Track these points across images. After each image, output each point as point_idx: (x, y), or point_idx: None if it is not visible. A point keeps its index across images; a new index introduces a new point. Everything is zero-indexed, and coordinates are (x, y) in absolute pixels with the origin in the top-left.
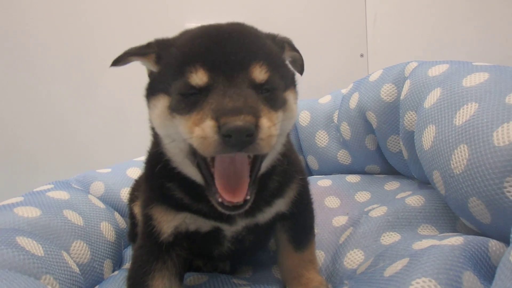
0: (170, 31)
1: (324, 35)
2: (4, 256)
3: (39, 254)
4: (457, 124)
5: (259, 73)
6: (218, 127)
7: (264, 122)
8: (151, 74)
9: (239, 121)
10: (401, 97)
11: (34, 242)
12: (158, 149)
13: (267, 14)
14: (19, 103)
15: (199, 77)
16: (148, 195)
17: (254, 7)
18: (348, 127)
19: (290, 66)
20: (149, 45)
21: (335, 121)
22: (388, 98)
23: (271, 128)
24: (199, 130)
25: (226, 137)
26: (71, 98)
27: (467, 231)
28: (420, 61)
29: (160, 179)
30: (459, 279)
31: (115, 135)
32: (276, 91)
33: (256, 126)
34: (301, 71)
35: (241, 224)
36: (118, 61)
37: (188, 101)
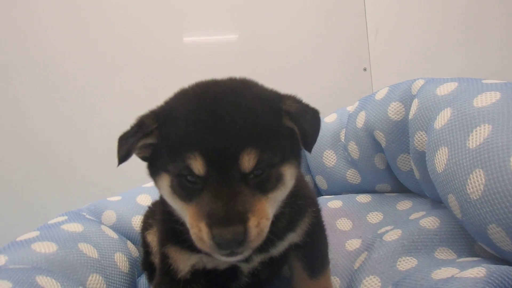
0: (168, 46)
1: (325, 50)
2: None
3: None
4: (470, 147)
5: (247, 163)
6: (212, 234)
7: (252, 224)
8: (151, 147)
9: (228, 234)
10: (410, 117)
11: (53, 280)
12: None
13: (266, 30)
14: (18, 132)
15: (198, 168)
16: (162, 235)
17: (253, 22)
18: (356, 146)
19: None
20: (149, 121)
21: (342, 140)
22: (396, 117)
23: (260, 225)
24: (196, 230)
25: (218, 244)
26: (71, 124)
27: (486, 254)
28: (426, 78)
29: (172, 223)
30: None
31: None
32: (268, 170)
33: (245, 232)
34: (304, 145)
35: (256, 260)
36: (128, 154)
37: (187, 187)
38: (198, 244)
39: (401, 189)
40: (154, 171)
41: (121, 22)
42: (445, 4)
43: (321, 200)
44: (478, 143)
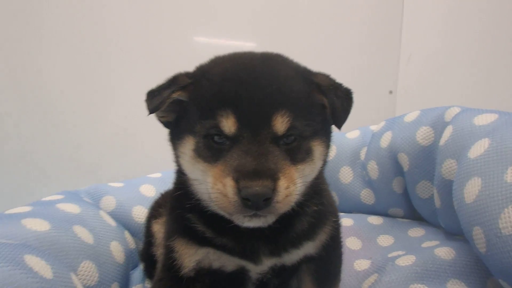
0: (179, 45)
1: (355, 68)
2: (12, 278)
3: (48, 277)
4: (508, 181)
5: (280, 125)
6: (238, 189)
7: (282, 184)
8: (178, 108)
9: (257, 187)
10: (440, 143)
11: (42, 262)
12: (184, 186)
13: (288, 43)
14: (32, 111)
15: (229, 126)
16: (170, 226)
17: (274, 33)
18: (376, 166)
19: (325, 110)
20: (183, 78)
21: (362, 158)
22: (424, 142)
23: (289, 188)
24: (220, 186)
25: (244, 200)
26: (84, 108)
27: None
28: (463, 107)
29: (182, 210)
30: None
31: (126, 149)
32: (299, 140)
33: (274, 189)
34: (333, 120)
35: (266, 264)
36: (160, 106)
37: (213, 148)
38: (220, 203)
39: (414, 216)
40: (177, 136)
41: (134, 22)
42: (483, 40)
43: None
44: None
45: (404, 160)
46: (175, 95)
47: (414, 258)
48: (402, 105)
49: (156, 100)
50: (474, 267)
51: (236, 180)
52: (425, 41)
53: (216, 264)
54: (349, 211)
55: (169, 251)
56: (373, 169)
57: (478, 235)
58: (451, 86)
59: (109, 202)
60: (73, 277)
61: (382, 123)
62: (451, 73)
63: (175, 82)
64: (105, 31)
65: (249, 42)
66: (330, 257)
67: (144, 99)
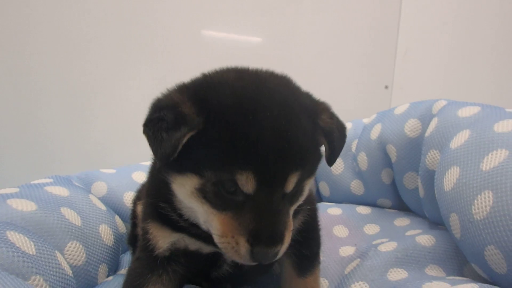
0: (186, 38)
1: (351, 63)
2: None
3: (31, 253)
4: (484, 169)
5: (292, 184)
6: (251, 251)
7: (286, 241)
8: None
9: (270, 253)
10: (426, 134)
11: (26, 238)
12: (162, 181)
13: (292, 38)
14: (37, 93)
15: (248, 187)
16: (146, 210)
17: (279, 28)
18: (366, 157)
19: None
20: (192, 114)
21: (353, 150)
22: (411, 134)
23: (289, 238)
24: (233, 242)
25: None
26: (84, 113)
27: (474, 277)
28: (449, 100)
29: (157, 199)
30: None
31: (125, 138)
32: (298, 187)
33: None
34: (328, 160)
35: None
36: (174, 152)
37: (223, 196)
38: (230, 254)
39: (401, 206)
40: (177, 169)
41: (140, 14)
42: (479, 36)
43: (322, 205)
44: (492, 166)
45: (392, 152)
46: (187, 137)
47: (396, 244)
48: (398, 100)
49: (166, 146)
50: (452, 254)
51: (251, 244)
52: (422, 37)
53: (192, 247)
54: (339, 201)
55: (144, 232)
56: (363, 160)
57: (454, 221)
58: (446, 82)
59: (100, 187)
60: (58, 255)
61: (373, 116)
62: (447, 69)
63: (183, 120)
64: (112, 25)
65: (255, 37)
66: (307, 240)
67: (144, 132)
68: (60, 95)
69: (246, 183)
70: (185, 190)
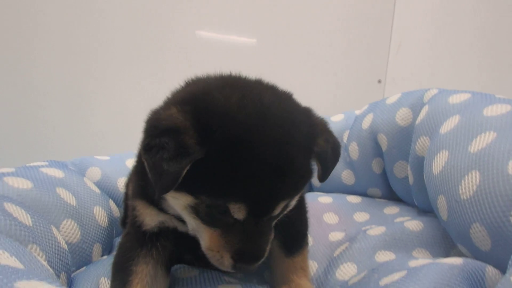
0: (181, 39)
1: (345, 56)
2: None
3: (27, 224)
4: (471, 151)
5: (279, 210)
6: (235, 265)
7: (266, 254)
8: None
9: (252, 268)
10: (417, 122)
11: (22, 211)
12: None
13: (286, 37)
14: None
15: (239, 215)
16: (134, 189)
17: (272, 29)
18: (357, 147)
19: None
20: (192, 144)
21: (345, 141)
22: (402, 123)
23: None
24: (218, 256)
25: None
26: (78, 112)
27: None
28: (441, 88)
29: (145, 181)
30: None
31: (121, 129)
32: (287, 205)
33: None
34: (320, 179)
35: None
36: (174, 183)
37: (214, 216)
38: (213, 262)
39: (391, 196)
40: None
41: (135, 14)
42: (472, 29)
43: (312, 194)
44: (479, 148)
45: (383, 141)
46: (187, 168)
47: (384, 229)
48: (391, 94)
49: (166, 179)
50: (439, 239)
51: (235, 260)
52: (415, 31)
53: (181, 229)
54: (330, 191)
55: (132, 208)
56: (354, 150)
57: (441, 203)
58: (440, 76)
59: (94, 173)
60: (54, 230)
61: (365, 106)
62: (440, 63)
63: (185, 152)
64: (106, 24)
65: (250, 38)
66: (294, 221)
67: (143, 158)
68: (59, 91)
69: (238, 212)
70: (178, 203)
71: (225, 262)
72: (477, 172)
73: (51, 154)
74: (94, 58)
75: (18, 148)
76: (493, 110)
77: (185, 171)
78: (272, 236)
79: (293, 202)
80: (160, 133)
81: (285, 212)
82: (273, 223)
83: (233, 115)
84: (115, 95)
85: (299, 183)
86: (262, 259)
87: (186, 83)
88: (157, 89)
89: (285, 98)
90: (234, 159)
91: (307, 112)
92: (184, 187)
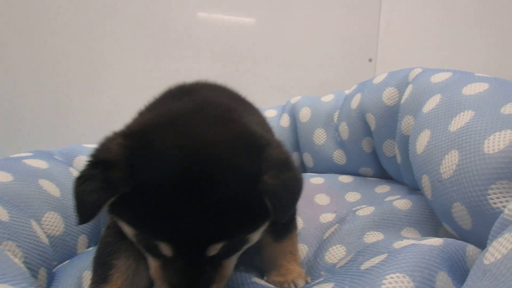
0: (181, 21)
1: (335, 37)
2: None
3: (4, 219)
4: (451, 130)
5: (214, 251)
6: None
7: None
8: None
9: None
10: (401, 101)
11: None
12: None
13: (283, 17)
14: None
15: (166, 252)
16: None
17: (271, 8)
18: (346, 127)
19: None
20: (119, 179)
21: (335, 121)
22: (389, 102)
23: (221, 285)
24: (161, 287)
25: None
26: (78, 94)
27: (448, 237)
28: (424, 67)
29: None
30: (433, 278)
31: (109, 116)
32: (234, 244)
33: None
34: (276, 218)
35: None
36: (91, 216)
37: (155, 249)
38: None
39: (383, 174)
40: (113, 213)
41: None
42: (460, 8)
43: (305, 176)
44: (459, 127)
45: (371, 120)
46: (109, 201)
47: (373, 209)
48: (382, 73)
49: (84, 211)
50: (428, 217)
51: None
52: (405, 9)
53: None
54: (323, 171)
55: None
56: (344, 129)
57: (425, 182)
58: (430, 54)
59: (82, 161)
60: (34, 224)
61: (354, 86)
62: (431, 41)
63: (109, 186)
64: (104, 8)
65: (249, 18)
66: None
67: (73, 186)
68: (48, 77)
69: (166, 250)
70: (126, 232)
71: None
72: (456, 151)
73: (40, 143)
74: (90, 41)
75: (4, 138)
76: (471, 89)
77: (106, 204)
78: (221, 275)
79: (254, 237)
80: (93, 164)
81: (243, 248)
82: (228, 258)
83: (162, 158)
84: (112, 79)
85: (235, 225)
86: None
87: (167, 92)
88: (158, 73)
89: (231, 137)
90: (156, 198)
91: (255, 149)
92: (124, 217)
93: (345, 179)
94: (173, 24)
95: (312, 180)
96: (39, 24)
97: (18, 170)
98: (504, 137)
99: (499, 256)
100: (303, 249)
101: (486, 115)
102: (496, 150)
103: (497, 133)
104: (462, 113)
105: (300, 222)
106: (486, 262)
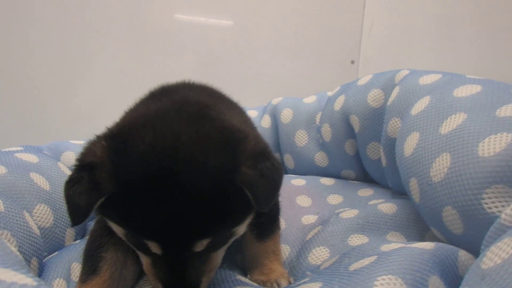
0: (158, 23)
1: (317, 38)
2: None
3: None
4: (442, 132)
5: (200, 247)
6: None
7: (204, 284)
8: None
9: None
10: (388, 103)
11: None
12: None
13: (262, 19)
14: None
15: (155, 250)
16: None
17: (249, 11)
18: (329, 129)
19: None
20: (105, 180)
21: (317, 122)
22: (374, 104)
23: (211, 275)
24: (154, 284)
25: None
26: (55, 96)
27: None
28: (412, 69)
29: None
30: (425, 282)
31: (100, 112)
32: (220, 238)
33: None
34: (258, 208)
35: None
36: (83, 217)
37: (143, 247)
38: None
39: (365, 178)
40: (103, 213)
41: None
42: (445, 8)
43: (286, 177)
44: (450, 129)
45: (355, 122)
46: (99, 202)
47: (357, 211)
48: (364, 75)
49: (75, 212)
50: (413, 222)
51: None
52: (388, 11)
53: None
54: (304, 173)
55: None
56: (326, 131)
57: (413, 185)
58: (413, 56)
59: (69, 157)
60: (26, 215)
61: (337, 88)
62: (413, 43)
63: (96, 187)
64: (82, 8)
65: (227, 20)
66: None
67: (63, 190)
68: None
69: (154, 247)
70: (116, 230)
71: None
72: (448, 154)
73: (27, 139)
74: (71, 42)
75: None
76: (463, 91)
77: (96, 205)
78: (209, 267)
79: (239, 231)
80: (79, 168)
81: (230, 240)
82: (216, 251)
83: (141, 158)
84: (92, 80)
85: (218, 220)
86: None
87: (149, 94)
88: (136, 74)
89: (207, 133)
90: (140, 200)
91: (232, 143)
92: (113, 218)
93: (326, 181)
94: (148, 27)
95: (293, 182)
96: (20, 23)
97: (11, 163)
98: (500, 140)
99: (499, 261)
100: (285, 250)
101: (479, 118)
102: (492, 153)
103: (493, 136)
104: (453, 115)
105: (282, 223)
106: (484, 266)
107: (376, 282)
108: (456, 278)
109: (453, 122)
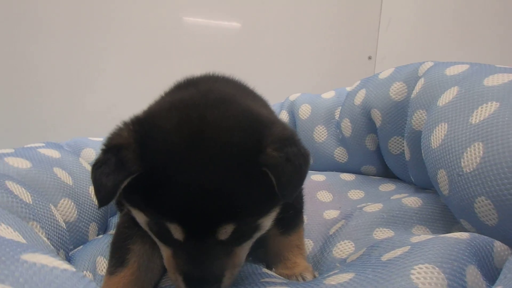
0: (168, 26)
1: (335, 34)
2: None
3: (28, 201)
4: (473, 122)
5: (224, 235)
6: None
7: (226, 280)
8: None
9: None
10: (412, 95)
11: (23, 189)
12: None
13: (271, 19)
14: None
15: (177, 235)
16: None
17: (257, 12)
18: (349, 123)
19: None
20: (132, 160)
21: (336, 118)
22: (397, 97)
23: (234, 273)
24: (173, 277)
25: None
26: (66, 100)
27: None
28: (436, 61)
29: None
30: (463, 271)
31: (113, 112)
32: (244, 229)
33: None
34: (281, 196)
35: None
36: (111, 196)
37: (167, 236)
38: (173, 283)
39: (386, 173)
40: (129, 202)
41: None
42: (461, 5)
43: None
44: (482, 119)
45: (377, 116)
46: (126, 182)
47: (381, 205)
48: (381, 71)
49: (104, 192)
50: (439, 215)
51: (187, 284)
52: (405, 6)
53: None
54: (323, 169)
55: None
56: (346, 126)
57: (442, 177)
58: (430, 52)
59: (89, 153)
60: (53, 208)
61: (357, 82)
62: (431, 39)
63: (123, 166)
64: (93, 11)
65: (235, 22)
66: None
67: (90, 173)
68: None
69: (176, 232)
70: (138, 219)
71: (180, 284)
72: (481, 144)
73: (45, 136)
74: (86, 44)
75: (13, 131)
76: (494, 80)
77: (123, 185)
78: (233, 262)
79: (265, 224)
80: (106, 150)
81: (255, 235)
82: (239, 246)
83: (168, 138)
84: (105, 82)
85: (243, 205)
86: (218, 284)
87: (174, 85)
88: (147, 75)
89: (234, 116)
90: (165, 178)
91: (259, 127)
92: (137, 204)
93: (347, 177)
94: (161, 29)
95: (313, 177)
96: (33, 29)
97: (35, 158)
98: None
99: None
100: (309, 244)
101: None
102: None
103: None
104: (484, 105)
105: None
106: None
107: (413, 271)
108: (492, 269)
109: (485, 111)
